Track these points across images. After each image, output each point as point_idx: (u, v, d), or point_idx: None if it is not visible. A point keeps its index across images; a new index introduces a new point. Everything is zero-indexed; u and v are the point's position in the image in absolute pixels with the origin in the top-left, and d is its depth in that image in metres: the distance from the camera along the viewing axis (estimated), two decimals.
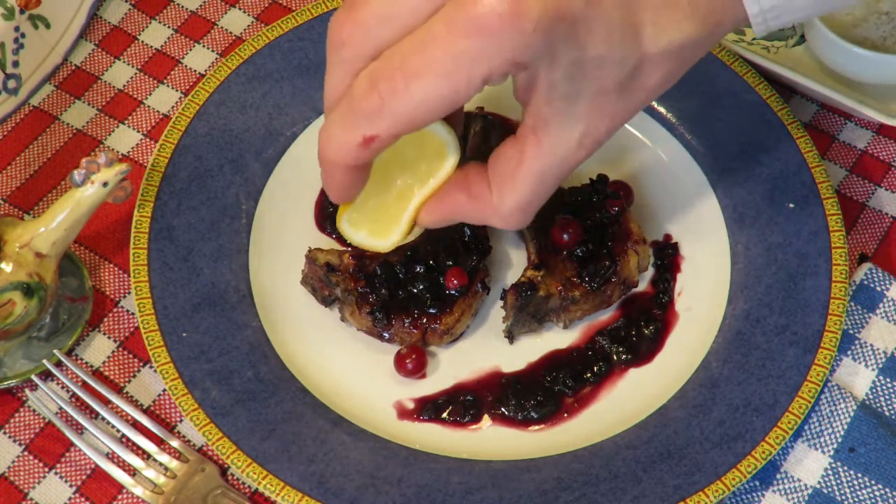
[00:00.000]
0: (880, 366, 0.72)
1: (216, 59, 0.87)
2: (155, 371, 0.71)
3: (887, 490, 0.68)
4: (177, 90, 0.85)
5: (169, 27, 0.88)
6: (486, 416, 0.71)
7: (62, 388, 0.72)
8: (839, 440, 0.70)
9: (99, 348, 0.74)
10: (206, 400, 0.69)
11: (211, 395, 0.69)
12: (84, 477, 0.70)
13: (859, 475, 0.69)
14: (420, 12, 0.54)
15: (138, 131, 0.83)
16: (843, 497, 0.68)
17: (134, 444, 0.69)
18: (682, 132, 0.81)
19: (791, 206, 0.76)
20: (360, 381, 0.72)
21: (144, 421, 0.70)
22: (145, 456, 0.69)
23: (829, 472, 0.69)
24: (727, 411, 0.69)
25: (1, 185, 0.81)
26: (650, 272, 0.76)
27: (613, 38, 0.55)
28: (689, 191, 0.79)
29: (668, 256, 0.77)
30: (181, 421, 0.71)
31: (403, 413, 0.71)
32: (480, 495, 0.67)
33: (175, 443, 0.70)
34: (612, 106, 0.58)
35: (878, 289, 0.75)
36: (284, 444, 0.68)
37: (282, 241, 0.77)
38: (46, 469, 0.70)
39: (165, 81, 0.85)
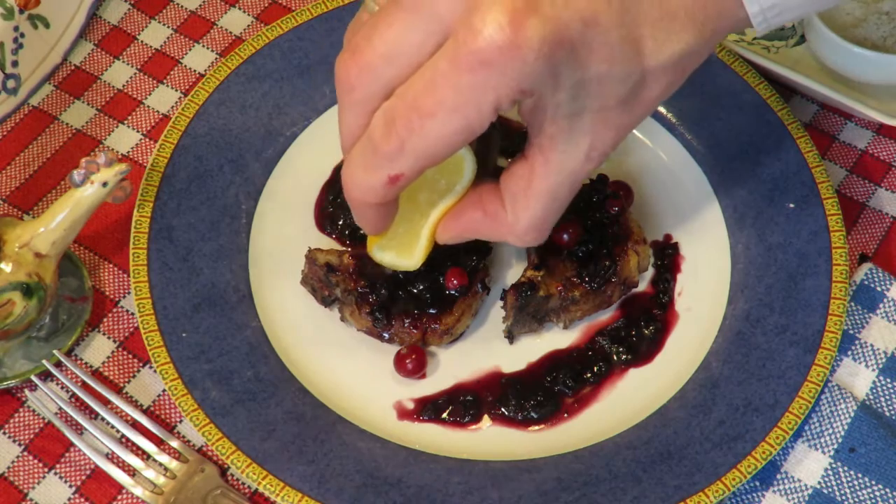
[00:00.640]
0: (880, 366, 0.72)
1: (216, 59, 0.87)
2: (155, 371, 0.71)
3: (887, 490, 0.68)
4: (176, 90, 0.85)
5: (169, 27, 0.88)
6: (486, 417, 0.71)
7: (62, 388, 0.72)
8: (839, 440, 0.70)
9: (99, 348, 0.74)
10: (206, 400, 0.69)
11: (211, 395, 0.69)
12: (84, 477, 0.70)
13: (859, 475, 0.69)
14: (424, 49, 0.54)
15: (138, 131, 0.83)
16: (844, 497, 0.68)
17: (134, 444, 0.69)
18: (682, 132, 0.81)
19: (791, 206, 0.76)
20: (360, 381, 0.72)
21: (144, 421, 0.70)
22: (145, 456, 0.69)
23: (830, 472, 0.69)
24: (727, 411, 0.69)
25: (1, 185, 0.80)
26: (650, 272, 0.76)
27: (614, 56, 0.55)
28: (689, 191, 0.79)
29: (668, 256, 0.77)
30: (181, 421, 0.71)
31: (403, 413, 0.71)
32: (480, 495, 0.67)
33: (175, 443, 0.70)
34: (617, 119, 0.58)
35: (879, 289, 0.75)
36: (284, 444, 0.68)
37: (282, 241, 0.77)
38: (46, 469, 0.70)
39: (165, 81, 0.85)
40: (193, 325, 0.72)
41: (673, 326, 0.74)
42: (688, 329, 0.74)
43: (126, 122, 0.84)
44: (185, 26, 0.88)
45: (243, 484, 0.69)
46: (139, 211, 0.75)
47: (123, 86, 0.85)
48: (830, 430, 0.70)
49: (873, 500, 0.68)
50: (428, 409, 0.71)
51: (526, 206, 0.61)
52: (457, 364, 0.73)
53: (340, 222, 0.78)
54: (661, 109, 0.82)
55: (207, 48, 0.87)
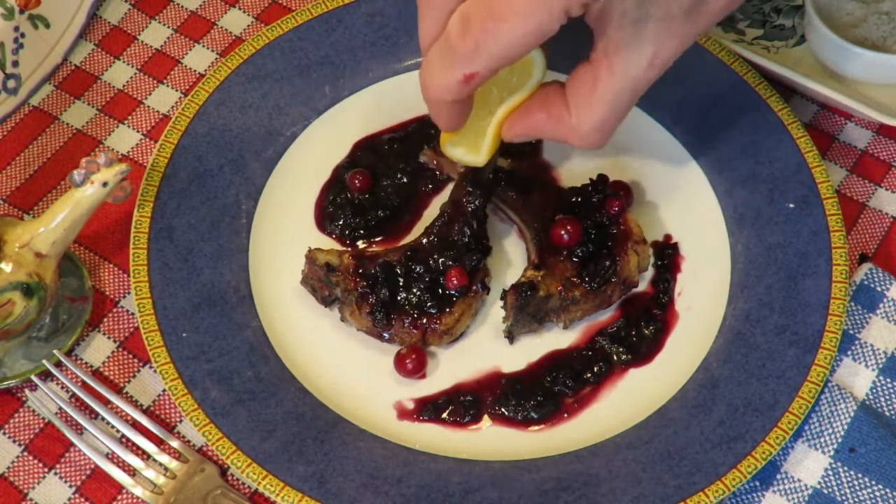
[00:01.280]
0: (880, 366, 0.72)
1: (216, 59, 0.87)
2: (155, 371, 0.71)
3: (887, 490, 0.68)
4: (177, 90, 0.85)
5: (169, 27, 0.88)
6: (486, 417, 0.71)
7: (62, 388, 0.72)
8: (839, 440, 0.70)
9: (99, 348, 0.74)
10: (206, 400, 0.69)
11: (211, 395, 0.69)
12: (84, 477, 0.70)
13: (859, 475, 0.69)
14: None
15: (138, 131, 0.83)
16: (843, 497, 0.68)
17: (134, 444, 0.69)
18: (682, 132, 0.81)
19: (791, 206, 0.76)
20: (360, 381, 0.72)
21: (144, 421, 0.70)
22: (145, 456, 0.69)
23: (829, 472, 0.69)
24: (727, 411, 0.69)
25: (1, 185, 0.81)
26: (650, 272, 0.76)
27: None
28: (689, 191, 0.79)
29: (668, 256, 0.77)
30: (181, 421, 0.71)
31: (403, 413, 0.71)
32: (480, 495, 0.67)
33: (175, 443, 0.70)
34: (679, 29, 0.60)
35: (878, 289, 0.75)
36: (284, 444, 0.68)
37: (282, 241, 0.77)
38: (46, 469, 0.70)
39: (165, 81, 0.85)
40: (193, 325, 0.72)
41: (673, 326, 0.74)
42: (688, 329, 0.74)
43: (126, 122, 0.84)
44: (185, 26, 0.88)
45: (243, 484, 0.69)
46: (139, 211, 0.75)
47: (124, 86, 0.85)
48: (830, 430, 0.70)
49: (873, 500, 0.68)
50: (428, 409, 0.71)
51: (589, 110, 0.63)
52: (457, 364, 0.73)
53: (340, 222, 0.78)
54: (661, 109, 0.82)
55: (207, 48, 0.87)
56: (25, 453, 0.70)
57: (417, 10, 0.62)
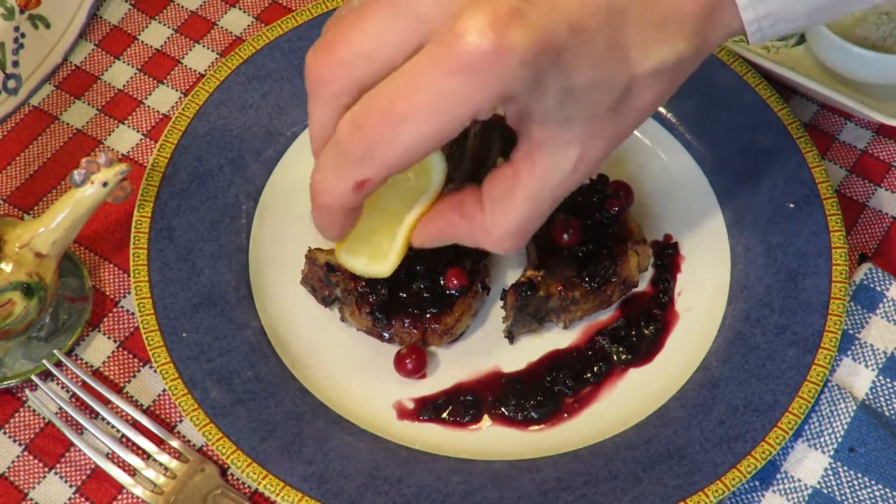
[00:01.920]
0: (880, 366, 0.72)
1: (216, 59, 0.87)
2: (155, 371, 0.71)
3: (887, 490, 0.68)
4: (177, 90, 0.85)
5: (169, 27, 0.88)
6: (486, 416, 0.71)
7: (62, 388, 0.72)
8: (839, 440, 0.70)
9: (99, 348, 0.74)
10: (206, 400, 0.69)
11: (211, 395, 0.69)
12: (84, 477, 0.70)
13: (859, 475, 0.69)
14: (402, 49, 0.53)
15: (138, 131, 0.83)
16: (843, 497, 0.68)
17: (134, 444, 0.69)
18: (682, 132, 0.81)
19: (791, 206, 0.76)
20: (360, 381, 0.72)
21: (144, 421, 0.70)
22: (145, 456, 0.69)
23: (829, 472, 0.69)
24: (727, 411, 0.69)
25: (1, 185, 0.81)
26: (650, 272, 0.76)
27: (600, 63, 0.54)
28: (689, 191, 0.79)
29: (668, 256, 0.77)
30: (181, 421, 0.71)
31: (403, 413, 0.71)
32: (480, 495, 0.67)
33: (175, 443, 0.70)
34: (607, 128, 0.57)
35: (878, 289, 0.75)
36: (284, 444, 0.68)
37: (282, 241, 0.77)
38: (46, 469, 0.70)
39: (165, 81, 0.85)
40: (193, 325, 0.72)
41: (673, 326, 0.74)
42: (688, 329, 0.74)
43: (126, 122, 0.84)
44: (185, 26, 0.88)
45: (243, 484, 0.69)
46: (139, 211, 0.75)
47: (124, 86, 0.85)
48: (830, 430, 0.70)
49: (873, 500, 0.68)
50: (428, 409, 0.71)
51: (506, 211, 0.60)
52: (457, 364, 0.73)
53: None
54: (661, 109, 0.82)
55: (208, 48, 0.87)
56: (26, 453, 0.70)
57: (308, 101, 0.58)
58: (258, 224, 0.78)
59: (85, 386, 0.71)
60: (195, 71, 0.86)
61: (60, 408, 0.70)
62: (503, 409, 0.71)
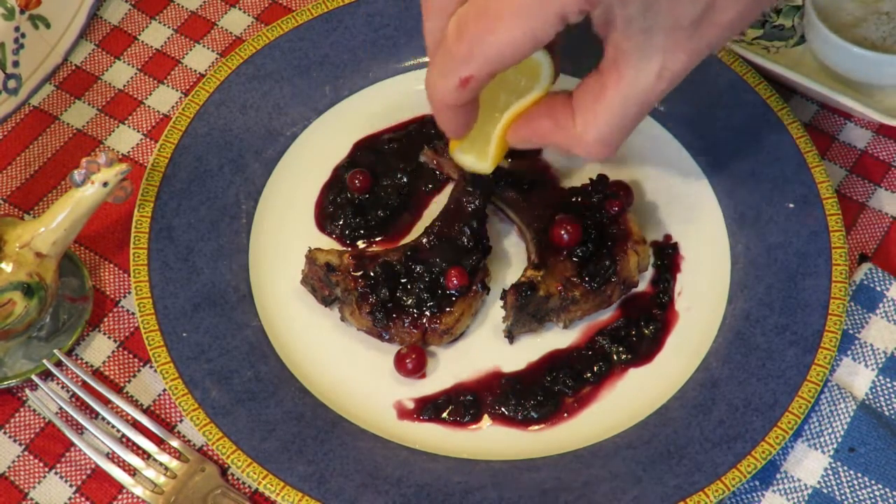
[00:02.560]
0: (880, 366, 0.72)
1: (216, 59, 0.87)
2: (155, 371, 0.71)
3: (887, 490, 0.68)
4: (177, 90, 0.85)
5: (169, 27, 0.88)
6: (486, 416, 0.71)
7: (62, 388, 0.72)
8: (839, 440, 0.70)
9: (99, 348, 0.74)
10: (206, 400, 0.69)
11: (211, 395, 0.69)
12: (84, 477, 0.70)
13: (859, 475, 0.69)
14: None
15: (138, 131, 0.83)
16: (843, 497, 0.68)
17: (134, 444, 0.69)
18: (682, 132, 0.81)
19: (791, 206, 0.76)
20: (360, 381, 0.72)
21: (144, 421, 0.70)
22: (145, 456, 0.69)
23: (829, 472, 0.69)
24: (727, 411, 0.69)
25: (1, 185, 0.81)
26: (650, 272, 0.76)
27: None
28: (689, 191, 0.79)
29: (668, 256, 0.77)
30: (181, 421, 0.72)
31: (403, 413, 0.71)
32: (480, 495, 0.67)
33: (175, 443, 0.70)
34: (688, 41, 0.58)
35: (878, 289, 0.75)
36: (284, 444, 0.68)
37: (282, 241, 0.77)
38: (46, 469, 0.70)
39: (165, 81, 0.86)
40: (193, 325, 0.72)
41: (673, 326, 0.74)
42: (688, 329, 0.74)
43: (126, 122, 0.84)
44: (185, 26, 0.88)
45: (243, 483, 0.69)
46: (139, 211, 0.75)
47: (124, 86, 0.85)
48: (830, 430, 0.70)
49: (873, 500, 0.68)
50: (428, 408, 0.71)
51: (595, 119, 0.62)
52: (457, 364, 0.73)
53: (340, 222, 0.78)
54: (661, 109, 0.82)
55: (208, 48, 0.87)
56: (26, 453, 0.70)
57: (422, 13, 0.62)
58: (258, 224, 0.78)
59: (85, 386, 0.71)
60: (195, 71, 0.86)
61: (60, 408, 0.70)
62: (503, 409, 0.71)
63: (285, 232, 0.78)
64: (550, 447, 0.70)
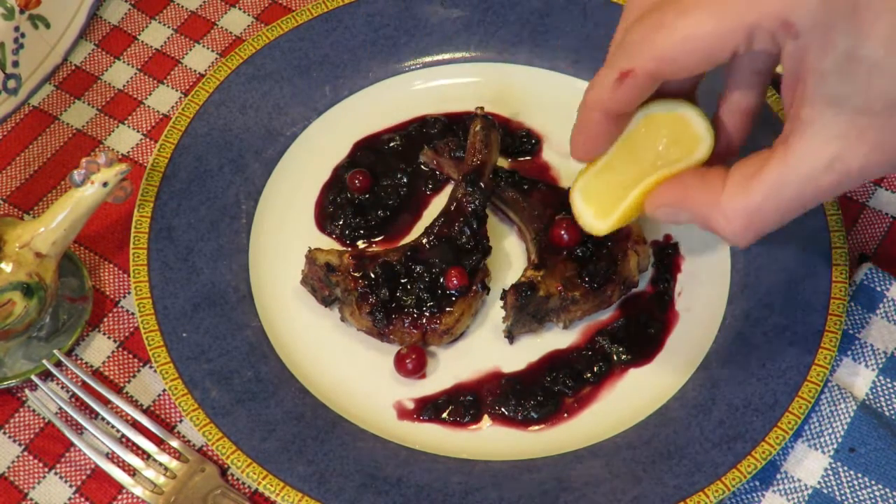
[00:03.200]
0: (880, 366, 0.72)
1: (216, 59, 0.87)
2: (155, 371, 0.71)
3: (887, 490, 0.68)
4: (177, 90, 0.85)
5: (169, 27, 0.88)
6: (486, 416, 0.71)
7: (62, 388, 0.72)
8: (839, 440, 0.70)
9: (99, 348, 0.74)
10: (206, 400, 0.69)
11: (211, 395, 0.69)
12: (84, 477, 0.70)
13: (859, 475, 0.69)
14: None
15: (138, 131, 0.83)
16: (843, 497, 0.68)
17: (134, 444, 0.69)
18: None
19: None
20: (360, 381, 0.72)
21: (144, 421, 0.70)
22: (145, 456, 0.69)
23: (829, 472, 0.69)
24: (727, 411, 0.69)
25: (1, 185, 0.81)
26: (650, 272, 0.76)
27: (894, 39, 0.49)
28: None
29: (668, 256, 0.77)
30: (181, 421, 0.71)
31: (403, 413, 0.71)
32: (480, 495, 0.67)
33: (175, 443, 0.70)
34: (876, 134, 0.51)
35: (878, 289, 0.75)
36: (284, 444, 0.68)
37: (282, 241, 0.77)
38: (46, 469, 0.70)
39: (165, 81, 0.86)
40: (193, 325, 0.72)
41: (673, 326, 0.74)
42: (688, 329, 0.74)
43: (126, 122, 0.84)
44: (185, 26, 0.88)
45: (243, 484, 0.69)
46: (139, 211, 0.75)
47: (124, 86, 0.85)
48: (830, 430, 0.70)
49: (873, 500, 0.68)
50: (428, 409, 0.71)
51: (745, 190, 0.56)
52: (457, 364, 0.73)
53: (340, 222, 0.78)
54: None
55: (207, 48, 0.87)
56: (25, 453, 0.70)
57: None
58: (258, 224, 0.78)
59: (85, 386, 0.71)
60: (195, 71, 0.86)
61: (60, 408, 0.70)
62: (503, 409, 0.71)
63: (285, 232, 0.78)
64: (550, 447, 0.70)
